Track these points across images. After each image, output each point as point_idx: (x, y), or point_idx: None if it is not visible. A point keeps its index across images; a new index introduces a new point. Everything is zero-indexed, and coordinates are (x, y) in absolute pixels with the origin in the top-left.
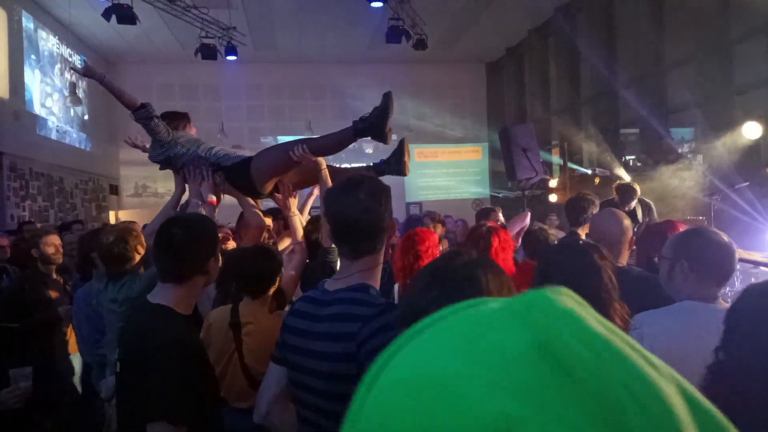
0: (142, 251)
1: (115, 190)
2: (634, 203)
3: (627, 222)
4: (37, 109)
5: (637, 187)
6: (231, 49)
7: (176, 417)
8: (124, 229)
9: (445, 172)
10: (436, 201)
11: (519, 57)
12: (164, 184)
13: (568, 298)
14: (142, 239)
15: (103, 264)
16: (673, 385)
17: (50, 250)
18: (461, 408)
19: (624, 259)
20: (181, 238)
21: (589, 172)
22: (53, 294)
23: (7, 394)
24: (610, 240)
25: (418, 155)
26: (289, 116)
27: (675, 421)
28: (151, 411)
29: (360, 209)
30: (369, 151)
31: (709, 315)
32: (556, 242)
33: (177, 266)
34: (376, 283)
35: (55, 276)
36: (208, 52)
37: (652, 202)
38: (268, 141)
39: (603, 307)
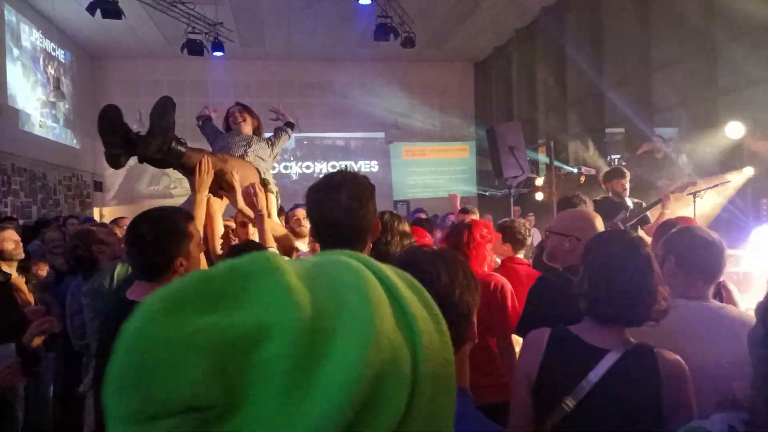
0: (106, 249)
1: (99, 186)
2: (626, 181)
3: (600, 224)
4: (20, 104)
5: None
6: (218, 45)
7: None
8: (84, 233)
9: (432, 171)
10: (424, 199)
11: (507, 56)
12: (149, 181)
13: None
14: (103, 237)
15: (72, 264)
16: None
17: (9, 245)
18: None
19: None
20: (150, 237)
21: (575, 171)
22: (21, 293)
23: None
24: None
25: (405, 153)
26: None
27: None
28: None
29: (340, 211)
30: (356, 148)
31: (700, 313)
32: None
33: (145, 264)
34: None
35: (16, 274)
36: (194, 48)
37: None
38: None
39: (652, 294)
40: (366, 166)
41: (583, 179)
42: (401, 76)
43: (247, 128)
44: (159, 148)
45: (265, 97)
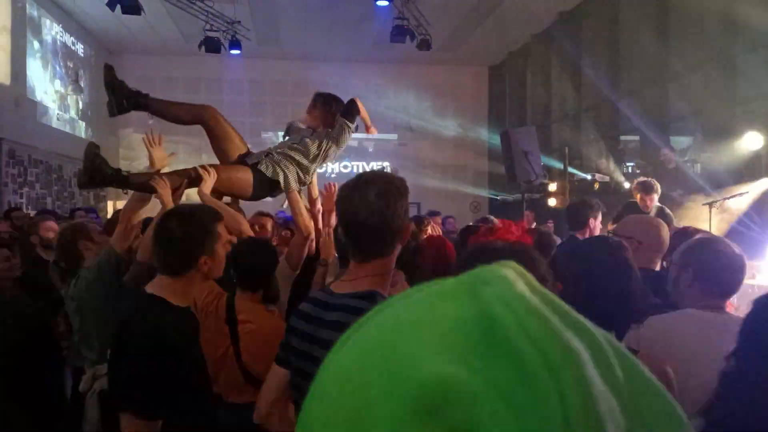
0: (92, 247)
1: None
2: (656, 197)
3: (665, 231)
4: (39, 97)
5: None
6: (235, 44)
7: (144, 411)
8: (74, 228)
9: (444, 173)
10: (435, 202)
11: (522, 61)
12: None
13: (510, 270)
14: (94, 235)
15: (60, 260)
16: (583, 341)
17: (50, 235)
18: (401, 368)
19: (656, 265)
20: (176, 233)
21: (589, 177)
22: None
23: None
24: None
25: (418, 155)
26: (291, 113)
27: (576, 372)
28: (122, 402)
29: (368, 210)
30: (370, 149)
31: (712, 323)
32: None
33: (170, 260)
34: (385, 289)
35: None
36: (212, 46)
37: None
38: (269, 136)
39: (632, 301)
40: (378, 168)
41: (597, 186)
42: (415, 78)
43: (311, 121)
44: (90, 182)
45: (279, 96)
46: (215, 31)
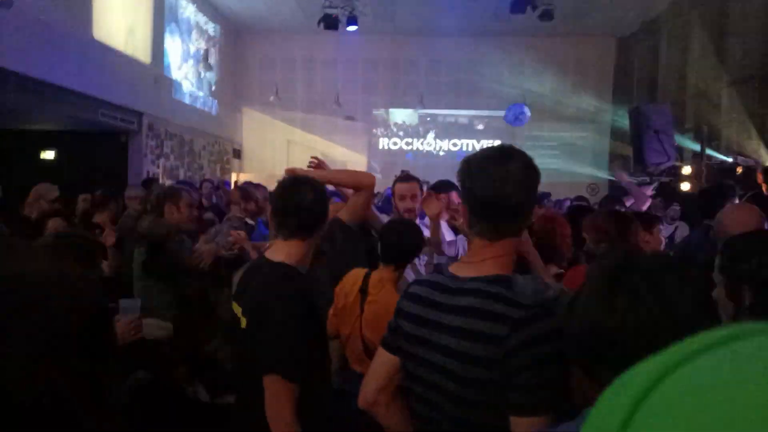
0: (176, 213)
1: (237, 154)
2: None
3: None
4: (174, 74)
5: None
6: (352, 19)
7: (290, 372)
8: (166, 190)
9: (561, 153)
10: (549, 183)
11: (656, 31)
12: (273, 151)
13: None
14: (182, 203)
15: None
16: None
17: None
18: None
19: None
20: (312, 197)
21: (730, 160)
22: None
23: (125, 326)
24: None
25: (532, 133)
26: (403, 90)
27: None
28: (268, 363)
29: (515, 184)
30: (480, 127)
31: None
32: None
33: (302, 222)
34: (511, 272)
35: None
36: (330, 23)
37: None
38: (380, 113)
39: None
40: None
41: (740, 170)
42: (535, 52)
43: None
44: None
45: (393, 73)
46: (334, 8)
